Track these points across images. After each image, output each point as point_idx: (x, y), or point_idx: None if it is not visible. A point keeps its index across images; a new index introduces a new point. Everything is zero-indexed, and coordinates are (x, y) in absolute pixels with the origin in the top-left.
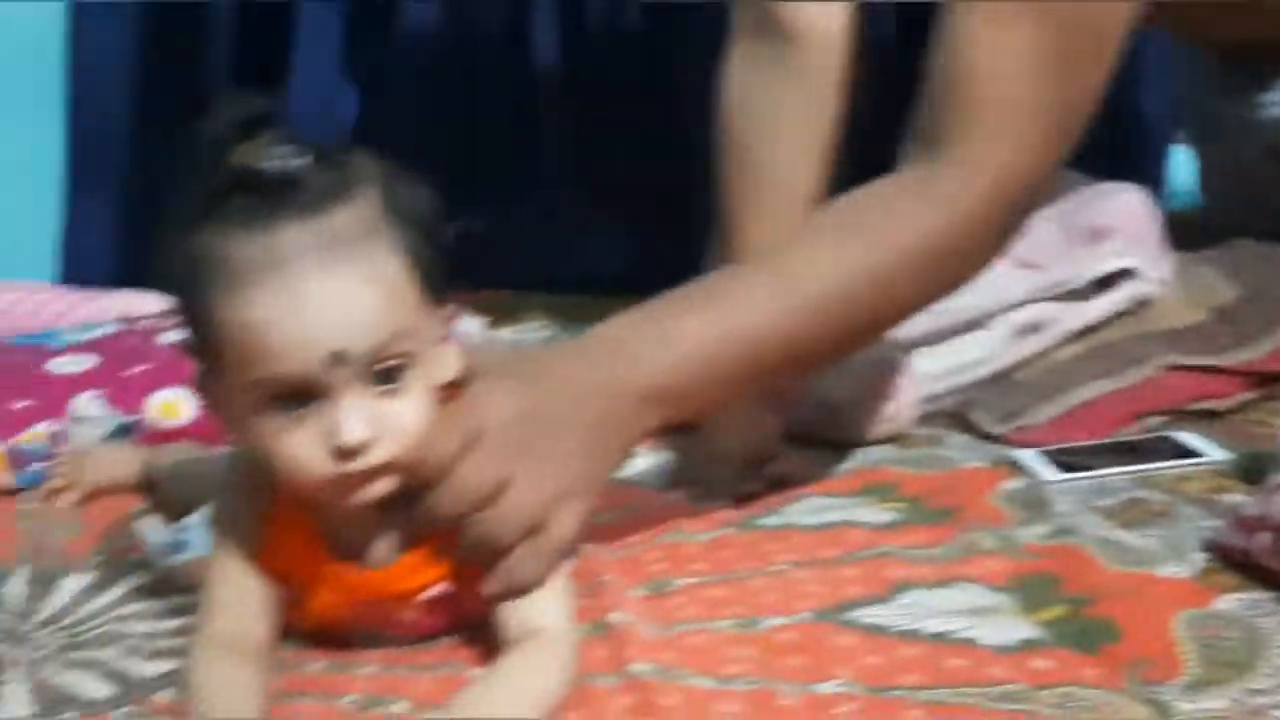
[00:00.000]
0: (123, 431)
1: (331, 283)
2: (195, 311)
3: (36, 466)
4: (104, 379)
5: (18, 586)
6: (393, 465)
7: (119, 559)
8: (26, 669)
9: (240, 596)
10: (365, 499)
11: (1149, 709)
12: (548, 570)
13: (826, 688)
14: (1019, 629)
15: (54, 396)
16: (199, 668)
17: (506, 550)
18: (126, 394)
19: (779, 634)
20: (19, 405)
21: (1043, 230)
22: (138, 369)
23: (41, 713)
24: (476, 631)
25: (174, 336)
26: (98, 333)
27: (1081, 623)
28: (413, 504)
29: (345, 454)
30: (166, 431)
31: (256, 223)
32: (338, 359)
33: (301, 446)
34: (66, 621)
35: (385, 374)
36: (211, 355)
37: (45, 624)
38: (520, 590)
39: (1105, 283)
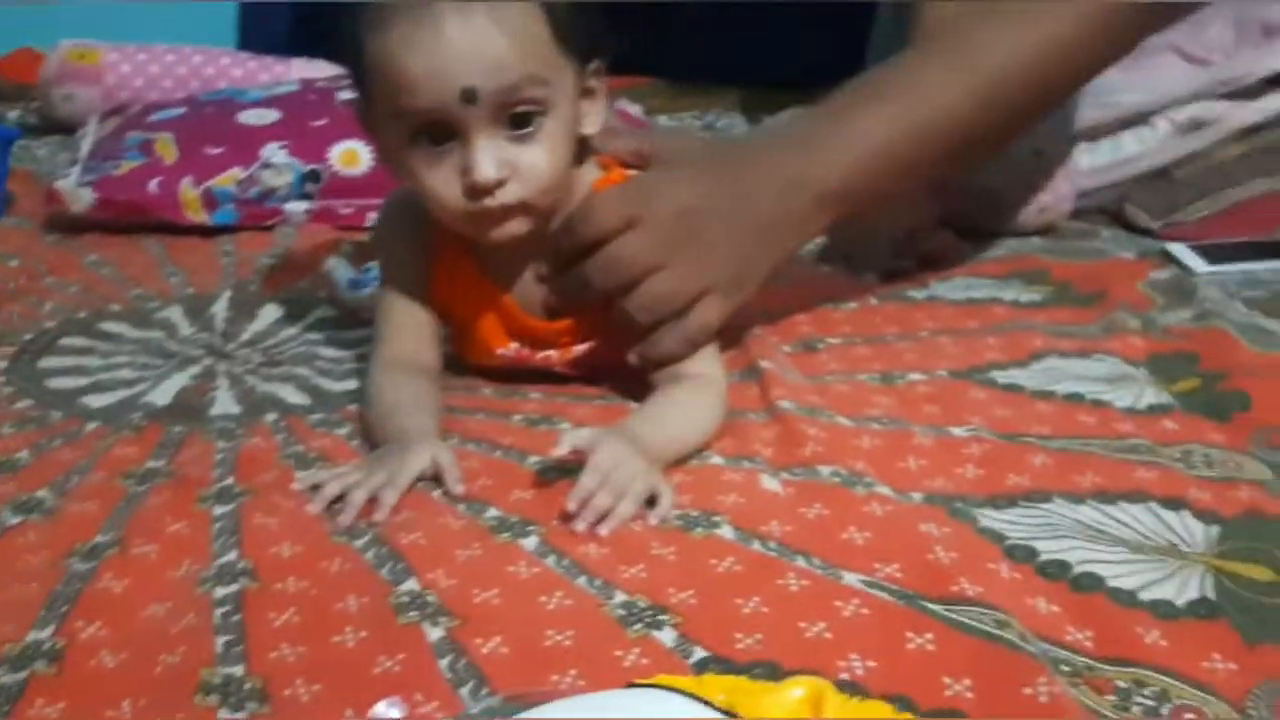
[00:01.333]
0: (307, 178)
1: (467, 24)
2: (352, 48)
3: (229, 207)
4: (289, 131)
5: (221, 311)
6: (525, 206)
7: (312, 293)
8: (231, 379)
9: (410, 322)
10: (501, 237)
11: (1270, 469)
12: (685, 352)
13: (959, 431)
14: (1152, 396)
15: (244, 144)
16: (377, 382)
17: (647, 330)
18: (310, 144)
19: (917, 387)
20: (213, 151)
21: (1214, 25)
22: (320, 122)
23: (247, 412)
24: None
25: (348, 95)
26: (281, 90)
27: (1214, 394)
28: (568, 269)
29: (477, 191)
30: (346, 179)
31: None
32: (468, 96)
33: (440, 180)
34: (266, 343)
35: (518, 119)
36: (365, 89)
37: (247, 344)
38: (659, 364)
39: (1274, 82)
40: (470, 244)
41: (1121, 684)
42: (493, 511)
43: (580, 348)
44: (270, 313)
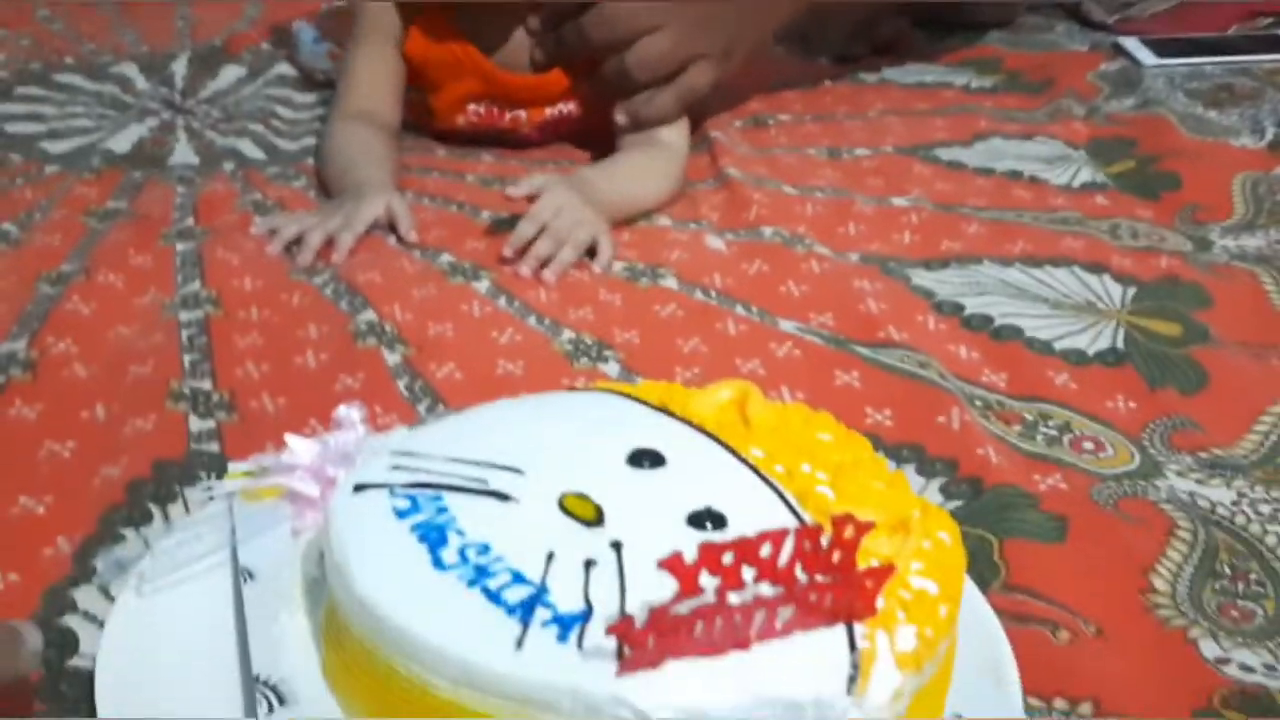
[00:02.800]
0: None
1: None
2: None
3: None
4: None
5: (180, 69)
6: None
7: (274, 54)
8: (190, 132)
9: (377, 77)
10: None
11: (1191, 242)
12: (676, 113)
13: (899, 201)
14: (1087, 175)
15: None
16: (335, 134)
17: (637, 89)
18: None
19: (862, 162)
20: None
21: None
22: None
23: (205, 163)
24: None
25: None
26: None
27: (1147, 174)
28: (561, 25)
29: None
30: None
31: None
32: None
33: None
34: (225, 100)
35: None
36: None
37: (206, 100)
38: (645, 124)
39: None
40: (455, 10)
41: (1029, 417)
42: (446, 257)
43: (552, 109)
44: (231, 73)
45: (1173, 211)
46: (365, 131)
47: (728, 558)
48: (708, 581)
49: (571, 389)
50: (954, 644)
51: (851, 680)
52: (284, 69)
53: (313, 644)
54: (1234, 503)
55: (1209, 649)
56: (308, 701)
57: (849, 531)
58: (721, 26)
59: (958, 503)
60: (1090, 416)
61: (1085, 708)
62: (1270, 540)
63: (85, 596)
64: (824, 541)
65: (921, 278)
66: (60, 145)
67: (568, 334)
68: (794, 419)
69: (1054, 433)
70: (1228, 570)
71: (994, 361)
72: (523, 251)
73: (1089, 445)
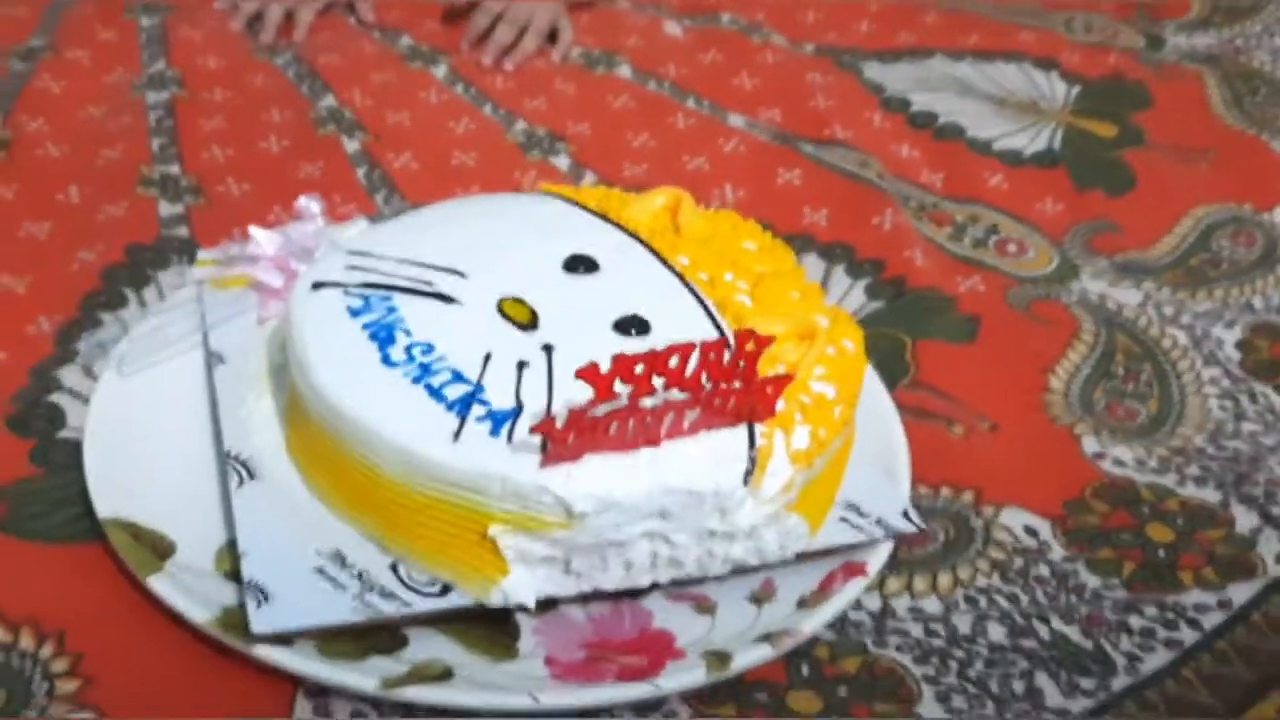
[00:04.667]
0: None
1: None
2: None
3: None
4: None
5: None
6: None
7: None
8: None
9: None
10: None
11: (1144, 38)
12: None
13: None
14: None
15: None
16: None
17: None
18: None
19: None
20: None
21: None
22: None
23: None
24: None
25: None
26: None
27: None
28: None
29: None
30: None
31: None
32: None
33: None
34: None
35: None
36: None
37: None
38: None
39: None
40: None
41: (959, 219)
42: (405, 40)
43: None
44: None
45: (1131, 4)
46: None
47: (639, 368)
48: (622, 388)
49: (517, 190)
50: (850, 441)
51: (748, 473)
52: None
53: (277, 424)
54: (1140, 304)
55: (1090, 444)
56: (273, 475)
57: (750, 345)
58: None
59: (879, 304)
60: (1018, 218)
61: (967, 496)
62: (1166, 343)
63: (69, 375)
64: (728, 353)
65: (873, 70)
66: None
67: (521, 125)
68: (723, 227)
69: (981, 235)
70: (1121, 371)
71: (933, 161)
72: (483, 40)
73: (1013, 248)
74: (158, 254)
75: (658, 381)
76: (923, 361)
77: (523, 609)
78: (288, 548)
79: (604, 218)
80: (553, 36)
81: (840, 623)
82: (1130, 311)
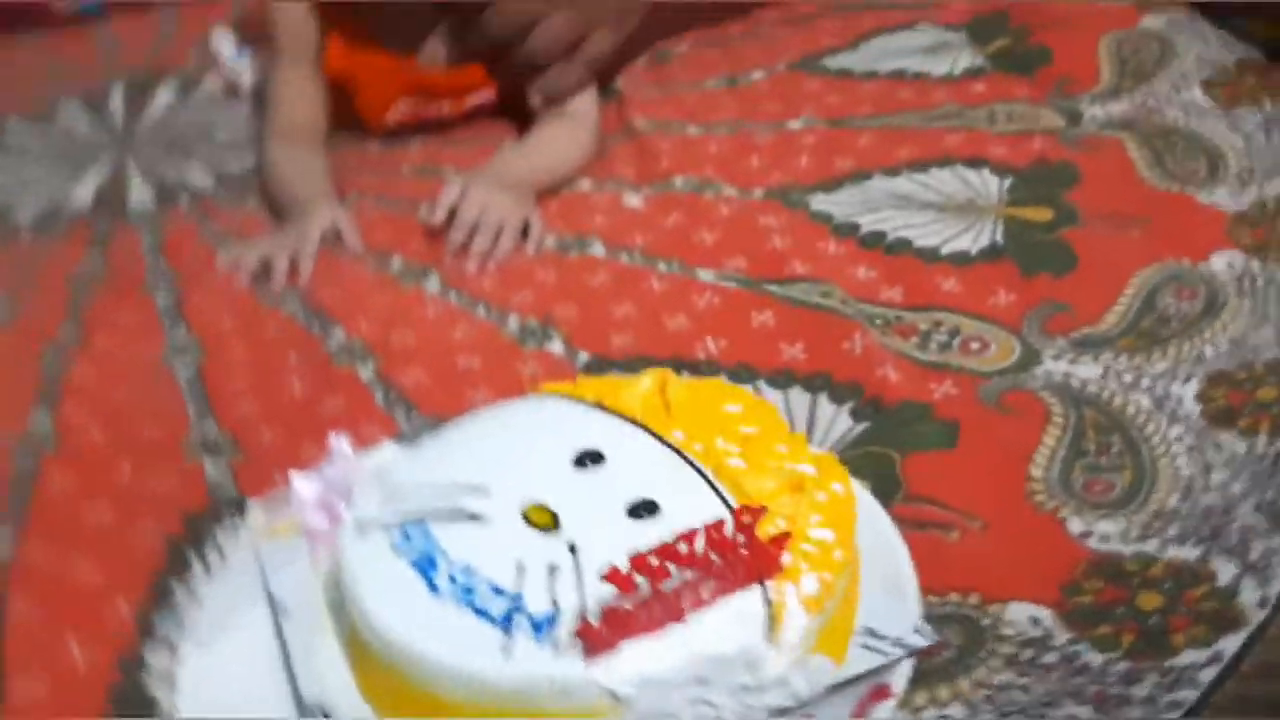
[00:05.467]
0: None
1: None
2: None
3: None
4: None
5: (117, 103)
6: None
7: (199, 73)
8: (141, 170)
9: (303, 91)
10: None
11: (1063, 116)
12: (583, 84)
13: (794, 124)
14: (967, 60)
15: None
16: (272, 155)
17: (550, 62)
18: None
19: (758, 85)
20: None
21: None
22: None
23: (161, 200)
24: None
25: None
26: None
27: (1022, 50)
28: (468, 21)
29: None
30: None
31: None
32: None
33: None
34: (168, 130)
35: None
36: None
37: (149, 131)
38: (560, 96)
39: None
40: (368, 20)
41: (923, 327)
42: (396, 260)
43: (473, 97)
44: (163, 98)
45: (1046, 87)
46: (297, 149)
47: (654, 561)
48: (642, 580)
49: (521, 385)
50: (855, 575)
51: (769, 629)
52: (212, 85)
53: (344, 662)
54: (1101, 377)
55: (1075, 525)
56: (349, 713)
57: (746, 518)
58: None
59: (865, 424)
60: (975, 316)
61: (973, 598)
62: (1130, 410)
63: (153, 655)
64: (729, 529)
65: (820, 202)
66: (27, 210)
67: (513, 320)
68: (707, 396)
69: (945, 338)
70: (1092, 446)
71: (889, 277)
72: (464, 250)
73: (975, 345)
74: (212, 517)
75: (672, 567)
76: (911, 474)
77: None
78: None
79: (602, 408)
80: (525, 231)
81: None
82: (1093, 386)
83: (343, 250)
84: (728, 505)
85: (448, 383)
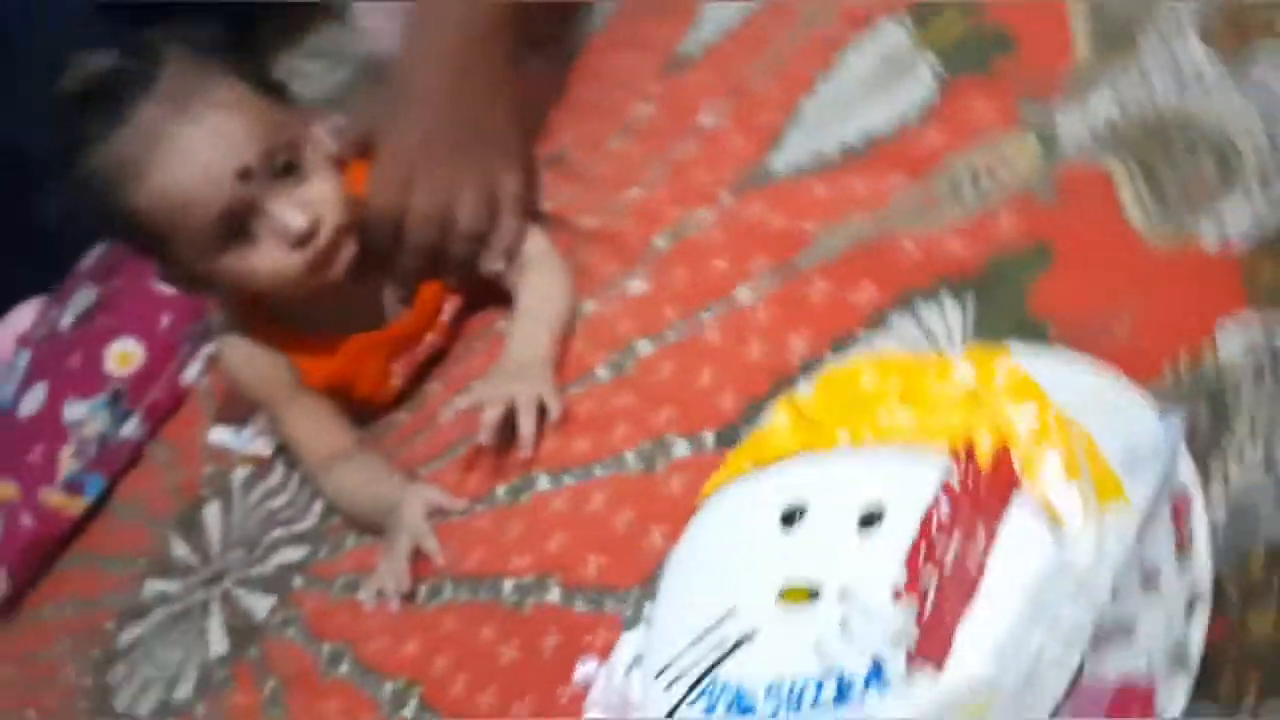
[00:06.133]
0: (112, 403)
1: (199, 124)
2: (125, 216)
3: (89, 478)
4: (59, 383)
5: (180, 549)
6: (342, 228)
7: (222, 476)
8: (220, 602)
9: (314, 422)
10: (342, 267)
11: (1039, 144)
12: (520, 230)
13: (743, 294)
14: (925, 81)
15: (46, 429)
16: (328, 488)
17: (486, 233)
18: (83, 379)
19: (708, 235)
20: (33, 458)
21: None
22: (73, 359)
23: (236, 645)
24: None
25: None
26: (19, 363)
27: (975, 37)
28: (394, 265)
29: (303, 240)
30: (140, 376)
31: (114, 122)
32: (243, 174)
33: (267, 258)
34: (242, 549)
35: (287, 168)
36: (158, 241)
37: (227, 550)
38: (513, 248)
39: None
40: (313, 324)
41: None
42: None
43: (447, 311)
44: (212, 516)
45: (1011, 91)
46: (346, 466)
47: (922, 552)
48: (925, 574)
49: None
50: (1076, 426)
51: (1053, 526)
52: (242, 474)
53: None
54: None
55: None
56: None
57: (961, 460)
58: (484, 135)
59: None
60: None
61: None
62: None
63: None
64: (955, 480)
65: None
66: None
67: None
68: (835, 390)
69: None
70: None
71: None
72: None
73: None
74: None
75: (939, 544)
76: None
77: None
78: None
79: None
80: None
81: None
82: None
83: (449, 513)
84: (937, 462)
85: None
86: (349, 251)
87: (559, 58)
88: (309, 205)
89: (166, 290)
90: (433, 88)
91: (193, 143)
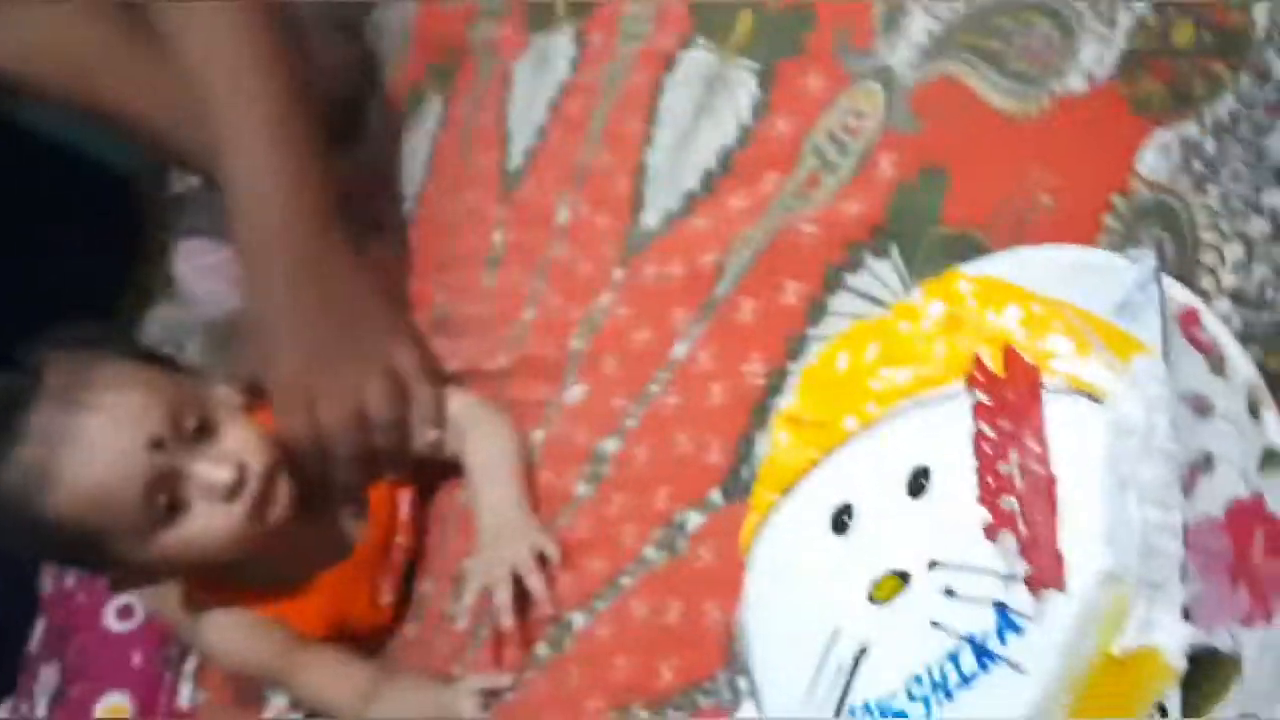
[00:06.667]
0: None
1: (99, 410)
2: (49, 530)
3: None
4: None
5: None
6: (271, 468)
7: None
8: None
9: (326, 666)
10: (283, 508)
11: (875, 79)
12: (434, 401)
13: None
14: (746, 94)
15: None
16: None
17: (406, 416)
18: None
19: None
20: None
21: None
22: None
23: None
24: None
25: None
26: None
27: (774, 26)
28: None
29: (234, 491)
30: None
31: (10, 441)
32: (156, 443)
33: (205, 520)
34: None
35: (199, 429)
36: (92, 545)
37: None
38: (438, 415)
39: None
40: (283, 576)
41: None
42: None
43: (403, 509)
44: None
45: (833, 59)
46: (381, 703)
47: (990, 481)
48: (1004, 501)
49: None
50: (1066, 305)
51: (1090, 401)
52: None
53: None
54: None
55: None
56: None
57: (979, 384)
58: (362, 321)
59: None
60: None
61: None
62: None
63: None
64: (985, 404)
65: None
66: None
67: None
68: (822, 379)
69: None
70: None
71: None
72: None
73: None
74: None
75: (1001, 470)
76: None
77: None
78: None
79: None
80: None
81: None
82: None
83: (501, 692)
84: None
85: None
86: (285, 489)
87: (397, 230)
88: (229, 455)
89: (123, 627)
90: (291, 307)
91: (95, 431)
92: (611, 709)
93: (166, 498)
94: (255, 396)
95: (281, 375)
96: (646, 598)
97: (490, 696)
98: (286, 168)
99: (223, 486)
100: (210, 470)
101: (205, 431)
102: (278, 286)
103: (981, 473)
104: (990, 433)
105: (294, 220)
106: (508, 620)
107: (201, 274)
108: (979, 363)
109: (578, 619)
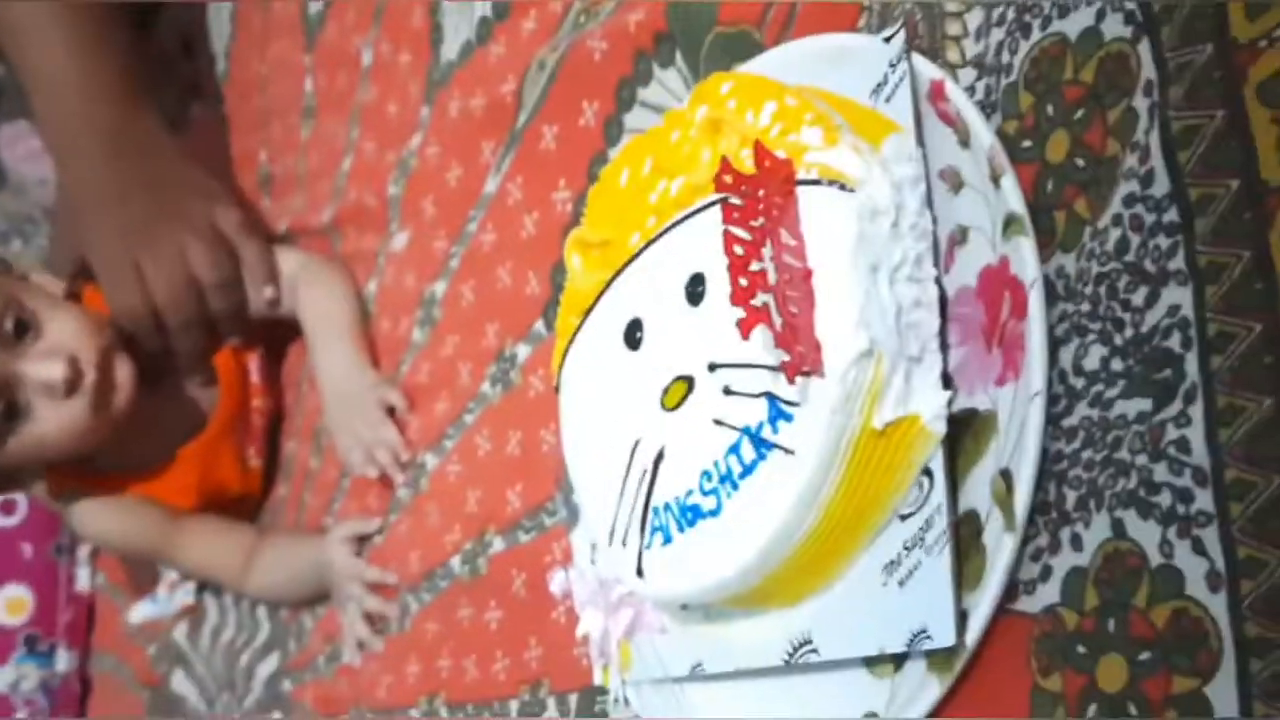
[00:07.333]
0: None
1: None
2: None
3: None
4: None
5: None
6: (107, 352)
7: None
8: None
9: (204, 540)
10: (128, 390)
11: None
12: (260, 243)
13: None
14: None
15: None
16: (252, 587)
17: (237, 277)
18: None
19: None
20: None
21: None
22: None
23: None
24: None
25: None
26: None
27: None
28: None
29: (72, 383)
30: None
31: None
32: None
33: (49, 420)
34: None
35: (18, 328)
36: None
37: (214, 701)
38: (269, 272)
39: None
40: (145, 456)
41: None
42: None
43: (254, 370)
44: (182, 683)
45: None
46: (260, 561)
47: (743, 282)
48: (759, 298)
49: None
50: (815, 94)
51: (843, 188)
52: (180, 636)
53: None
54: None
55: None
56: None
57: (726, 178)
58: (177, 192)
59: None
60: None
61: None
62: None
63: None
64: (734, 200)
65: None
66: None
67: None
68: (603, 202)
69: None
70: None
71: None
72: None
73: None
74: None
75: (754, 267)
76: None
77: None
78: None
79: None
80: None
81: None
82: None
83: (370, 535)
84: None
85: None
86: (125, 371)
87: (215, 91)
88: (58, 349)
89: (8, 522)
90: (102, 184)
91: None
92: (469, 539)
93: (3, 405)
94: (86, 274)
95: (103, 253)
96: (489, 432)
97: (360, 542)
98: (80, 45)
99: (58, 384)
100: (41, 369)
101: (28, 330)
102: (86, 165)
103: (733, 273)
104: (742, 233)
105: (94, 96)
106: (373, 472)
107: (28, 159)
108: (725, 164)
109: (430, 460)
